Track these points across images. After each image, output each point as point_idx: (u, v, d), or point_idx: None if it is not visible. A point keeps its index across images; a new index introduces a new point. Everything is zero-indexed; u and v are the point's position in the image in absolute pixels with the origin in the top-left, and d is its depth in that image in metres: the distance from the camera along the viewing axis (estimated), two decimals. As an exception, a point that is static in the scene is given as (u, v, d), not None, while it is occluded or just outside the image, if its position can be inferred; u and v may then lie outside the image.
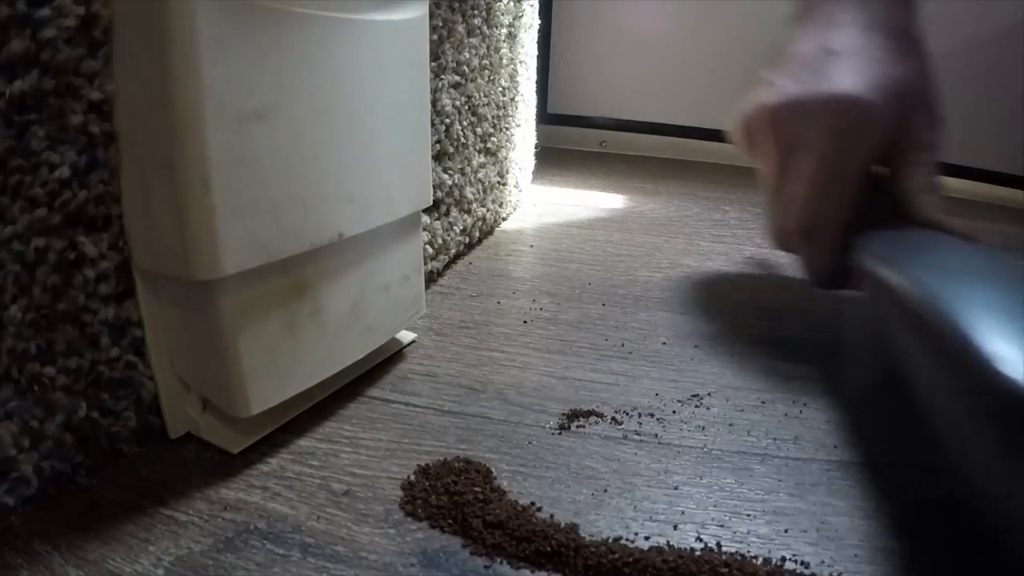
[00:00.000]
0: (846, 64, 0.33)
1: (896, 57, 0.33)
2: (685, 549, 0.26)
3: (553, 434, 0.33)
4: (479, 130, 0.55)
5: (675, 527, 0.28)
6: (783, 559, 0.26)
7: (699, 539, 0.27)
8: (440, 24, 0.46)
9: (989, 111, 0.83)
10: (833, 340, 0.45)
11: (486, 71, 0.55)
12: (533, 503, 0.28)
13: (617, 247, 0.60)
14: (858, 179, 0.33)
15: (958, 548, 0.27)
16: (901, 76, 0.33)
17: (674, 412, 0.36)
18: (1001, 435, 0.19)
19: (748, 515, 0.29)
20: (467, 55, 0.50)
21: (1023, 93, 0.80)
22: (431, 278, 0.49)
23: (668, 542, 0.27)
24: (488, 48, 0.54)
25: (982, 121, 0.84)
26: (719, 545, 0.26)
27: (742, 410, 0.36)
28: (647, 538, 0.27)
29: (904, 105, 0.33)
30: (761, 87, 0.35)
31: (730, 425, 0.35)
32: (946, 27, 0.81)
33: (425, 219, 0.46)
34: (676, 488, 0.30)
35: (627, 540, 0.27)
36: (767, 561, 0.25)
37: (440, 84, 0.47)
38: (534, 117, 0.71)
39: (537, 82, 0.71)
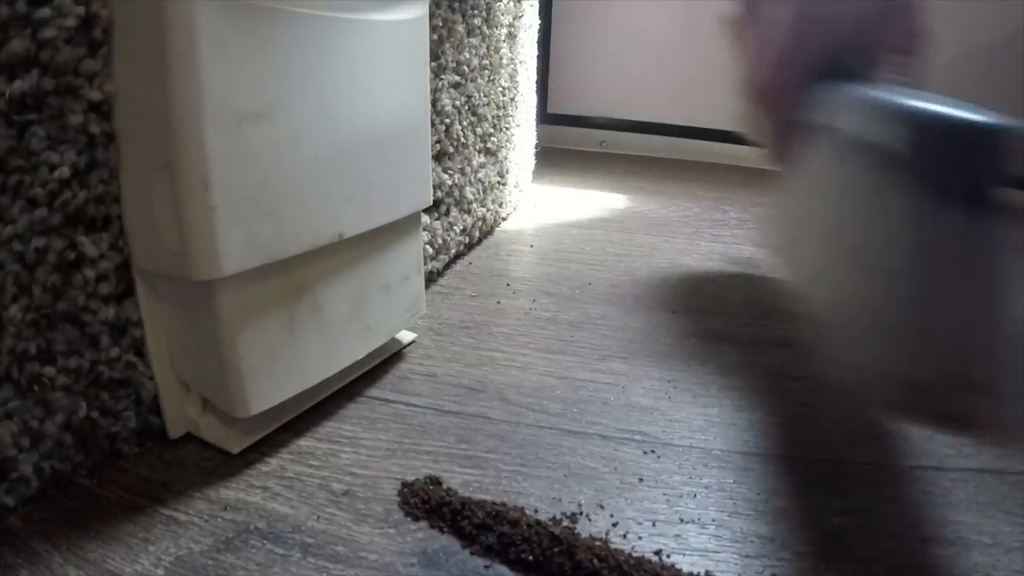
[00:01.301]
0: None
1: None
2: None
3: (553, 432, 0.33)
4: (479, 130, 0.55)
5: (675, 527, 0.28)
6: None
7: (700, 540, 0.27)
8: (440, 24, 0.46)
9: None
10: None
11: (486, 71, 0.55)
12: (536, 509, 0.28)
13: (617, 247, 0.60)
14: (815, 57, 0.37)
15: (959, 547, 0.27)
16: None
17: (674, 411, 0.36)
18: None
19: (748, 515, 0.29)
20: (467, 55, 0.50)
21: (1023, 94, 0.80)
22: (431, 278, 0.49)
23: (667, 545, 0.27)
24: (488, 48, 0.54)
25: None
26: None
27: (742, 410, 0.36)
28: (645, 538, 0.27)
29: (885, 13, 0.38)
30: None
31: (730, 425, 0.35)
32: (949, 32, 0.82)
33: (425, 219, 0.47)
34: (676, 488, 0.30)
35: (627, 541, 0.27)
36: None
37: (440, 84, 0.47)
38: (534, 117, 0.71)
39: (537, 82, 0.71)
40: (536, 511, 0.28)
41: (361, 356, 0.35)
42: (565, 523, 0.27)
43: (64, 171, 0.25)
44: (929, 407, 0.23)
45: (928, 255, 0.23)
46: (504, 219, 0.65)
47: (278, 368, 0.30)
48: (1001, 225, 0.23)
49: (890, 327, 0.24)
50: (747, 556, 0.26)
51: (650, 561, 0.25)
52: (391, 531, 0.27)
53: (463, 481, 0.30)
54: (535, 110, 0.71)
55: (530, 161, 0.72)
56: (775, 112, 0.40)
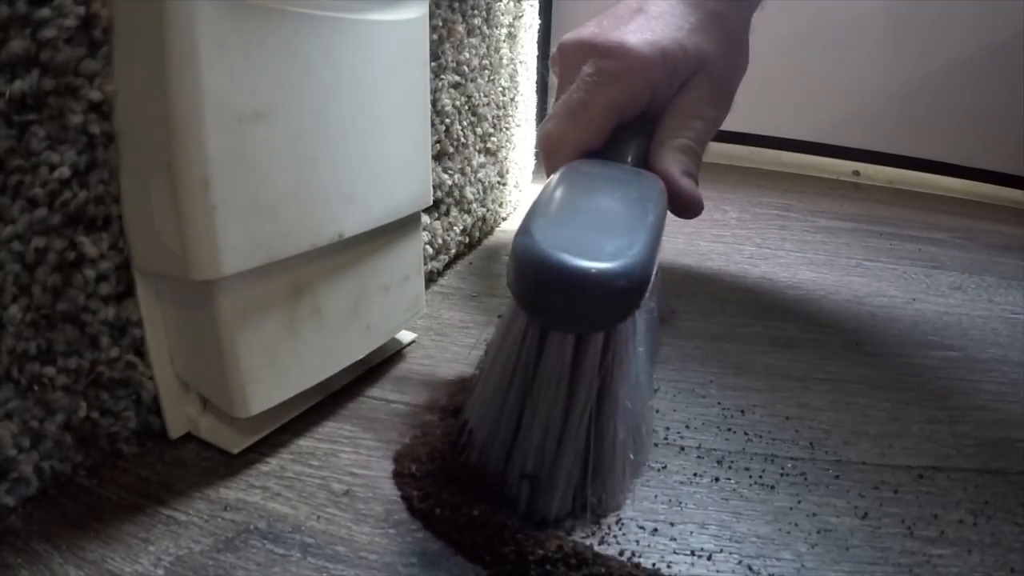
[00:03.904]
0: (644, 22, 0.37)
1: (700, 34, 0.37)
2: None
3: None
4: (479, 130, 0.55)
5: (673, 526, 0.28)
6: None
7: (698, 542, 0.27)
8: (440, 24, 0.46)
9: (990, 111, 0.83)
10: (833, 340, 0.45)
11: (486, 71, 0.55)
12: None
13: (617, 247, 0.60)
14: (608, 118, 0.36)
15: (959, 547, 0.27)
16: (694, 48, 0.36)
17: (674, 411, 0.36)
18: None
19: (748, 515, 0.29)
20: (467, 55, 0.50)
21: (1023, 94, 0.80)
22: (431, 278, 0.49)
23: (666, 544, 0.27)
24: (488, 48, 0.54)
25: (982, 121, 0.84)
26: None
27: (742, 410, 0.36)
28: (645, 540, 0.27)
29: (687, 73, 0.37)
30: (578, 28, 0.40)
31: (730, 426, 0.35)
32: (950, 32, 0.82)
33: (425, 219, 0.46)
34: (676, 488, 0.30)
35: (626, 541, 0.27)
36: None
37: (440, 84, 0.47)
38: (534, 117, 0.71)
39: (537, 82, 0.71)
40: (536, 511, 0.28)
41: (361, 356, 0.35)
42: (565, 524, 0.27)
43: (64, 171, 0.25)
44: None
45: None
46: (504, 219, 0.65)
47: (278, 368, 0.30)
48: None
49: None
50: (747, 556, 0.26)
51: (647, 569, 0.25)
52: (391, 531, 0.27)
53: (463, 481, 0.30)
54: (535, 110, 0.71)
55: (530, 161, 0.72)
56: (553, 169, 0.37)
